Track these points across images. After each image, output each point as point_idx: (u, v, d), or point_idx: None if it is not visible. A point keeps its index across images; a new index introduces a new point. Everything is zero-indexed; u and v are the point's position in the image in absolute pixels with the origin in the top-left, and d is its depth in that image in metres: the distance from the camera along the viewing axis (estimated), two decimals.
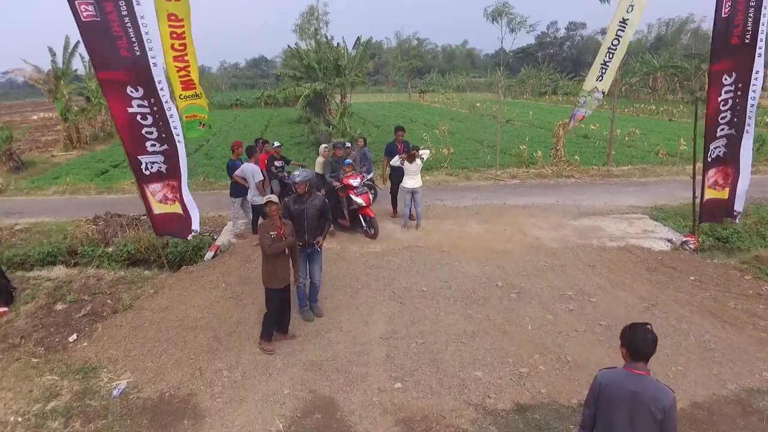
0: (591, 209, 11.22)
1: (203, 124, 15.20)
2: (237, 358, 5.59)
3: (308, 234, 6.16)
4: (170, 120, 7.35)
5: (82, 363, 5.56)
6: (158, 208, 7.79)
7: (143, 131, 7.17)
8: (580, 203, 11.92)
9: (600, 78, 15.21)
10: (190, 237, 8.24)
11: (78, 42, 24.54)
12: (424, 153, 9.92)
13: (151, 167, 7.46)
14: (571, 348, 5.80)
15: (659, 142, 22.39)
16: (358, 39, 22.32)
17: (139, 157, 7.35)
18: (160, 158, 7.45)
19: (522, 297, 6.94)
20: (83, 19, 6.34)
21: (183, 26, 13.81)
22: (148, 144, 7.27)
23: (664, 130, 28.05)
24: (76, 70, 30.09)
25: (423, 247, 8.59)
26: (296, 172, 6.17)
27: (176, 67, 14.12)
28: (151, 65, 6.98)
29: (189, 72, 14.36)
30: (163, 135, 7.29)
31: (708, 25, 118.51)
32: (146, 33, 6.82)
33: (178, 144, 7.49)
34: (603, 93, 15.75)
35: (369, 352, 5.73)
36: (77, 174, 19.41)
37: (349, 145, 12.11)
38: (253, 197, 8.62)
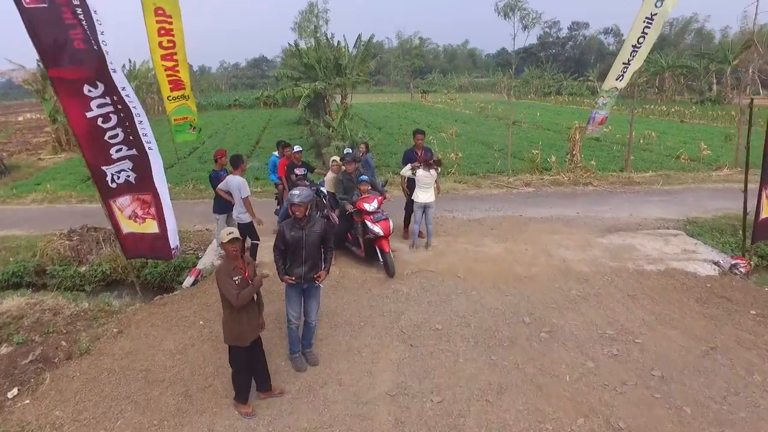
0: (617, 223, 10.12)
1: (193, 127, 14.18)
2: (210, 425, 4.50)
3: (306, 266, 5.05)
4: (138, 124, 6.23)
5: (18, 429, 4.48)
6: (127, 227, 6.70)
7: (107, 136, 6.06)
8: (602, 215, 10.83)
9: (620, 78, 14.12)
10: (173, 256, 7.16)
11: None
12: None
13: (118, 178, 6.37)
14: (621, 408, 4.70)
15: (676, 146, 21.31)
16: (359, 37, 21.25)
17: (103, 168, 6.25)
18: (128, 165, 6.34)
19: (555, 337, 5.85)
20: (26, 5, 5.24)
21: (172, 22, 12.75)
22: (113, 150, 6.17)
23: (678, 132, 26.93)
24: None
25: (434, 271, 7.49)
26: (294, 191, 5.07)
27: (164, 66, 13.06)
28: (110, 70, 5.84)
29: (178, 71, 13.29)
30: (131, 137, 6.18)
31: (712, 25, 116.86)
32: (102, 33, 5.68)
33: (148, 151, 6.37)
34: (618, 91, 14.69)
35: (374, 415, 4.63)
36: (62, 179, 18.35)
37: (351, 151, 11.05)
38: (239, 215, 7.49)
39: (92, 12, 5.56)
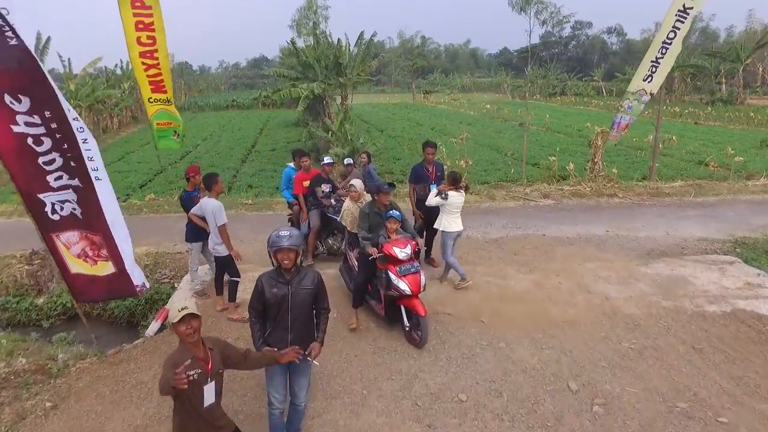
0: (656, 245, 8.84)
1: (177, 134, 12.89)
2: None
3: (293, 334, 3.78)
4: (83, 149, 4.91)
5: None
6: (75, 266, 5.42)
7: (40, 161, 4.75)
8: (636, 234, 9.54)
9: (648, 78, 12.82)
10: (141, 294, 5.89)
11: (49, 38, 22.25)
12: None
13: (61, 209, 5.07)
14: None
15: (697, 150, 20.03)
16: (361, 35, 19.97)
17: (40, 197, 4.96)
18: (71, 196, 5.04)
19: (611, 412, 4.56)
20: None
21: (151, 15, 11.44)
22: (51, 177, 4.86)
23: (694, 134, 25.61)
24: (51, 70, 27.83)
25: (453, 315, 6.19)
26: (282, 232, 3.78)
27: (144, 64, 11.73)
28: (42, 83, 4.49)
29: (160, 71, 11.99)
30: (72, 164, 4.86)
31: (717, 24, 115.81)
32: (16, 38, 4.32)
33: (95, 181, 5.02)
34: (651, 95, 13.40)
35: None
36: None
37: (351, 161, 9.78)
38: (215, 246, 6.18)
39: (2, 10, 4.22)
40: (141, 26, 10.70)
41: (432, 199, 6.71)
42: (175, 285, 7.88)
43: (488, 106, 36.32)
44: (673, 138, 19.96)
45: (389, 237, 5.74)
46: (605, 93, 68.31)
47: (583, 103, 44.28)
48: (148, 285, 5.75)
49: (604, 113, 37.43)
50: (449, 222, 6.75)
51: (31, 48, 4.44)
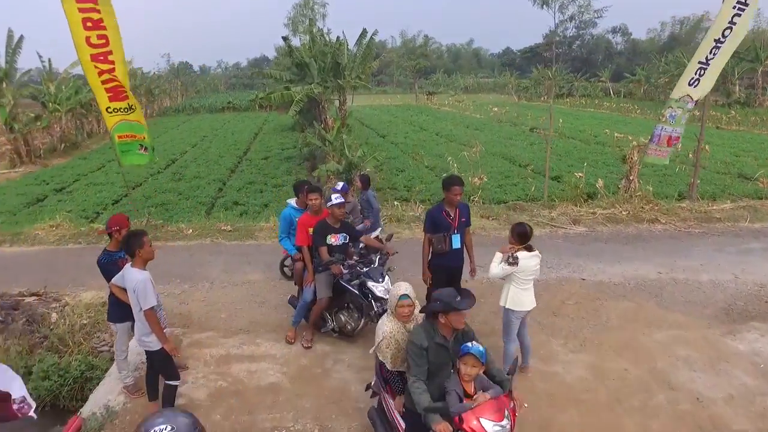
0: (729, 296, 6.99)
1: (144, 147, 11.06)
2: None
3: None
4: None
5: None
6: None
7: None
8: (697, 278, 7.70)
9: (695, 83, 10.93)
10: (24, 414, 4.07)
11: (22, 36, 20.46)
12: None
13: None
14: None
15: (731, 160, 18.16)
16: (363, 33, 18.12)
17: None
18: None
19: None
20: None
21: (99, 11, 9.65)
22: None
23: (719, 140, 23.67)
24: (29, 70, 26.07)
25: None
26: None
27: (98, 69, 9.92)
28: None
29: (115, 76, 10.17)
30: None
31: None
32: None
33: None
34: (696, 103, 11.55)
35: None
36: (3, 203, 15.31)
37: (344, 185, 7.96)
38: (142, 338, 4.30)
39: None
40: (89, 24, 8.88)
41: (496, 268, 4.66)
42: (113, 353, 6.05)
43: (495, 109, 34.48)
44: (706, 147, 18.04)
45: (466, 392, 3.32)
46: (613, 94, 66.50)
47: (594, 105, 42.39)
48: (32, 404, 3.90)
49: (617, 116, 35.54)
50: (519, 296, 4.75)
51: None
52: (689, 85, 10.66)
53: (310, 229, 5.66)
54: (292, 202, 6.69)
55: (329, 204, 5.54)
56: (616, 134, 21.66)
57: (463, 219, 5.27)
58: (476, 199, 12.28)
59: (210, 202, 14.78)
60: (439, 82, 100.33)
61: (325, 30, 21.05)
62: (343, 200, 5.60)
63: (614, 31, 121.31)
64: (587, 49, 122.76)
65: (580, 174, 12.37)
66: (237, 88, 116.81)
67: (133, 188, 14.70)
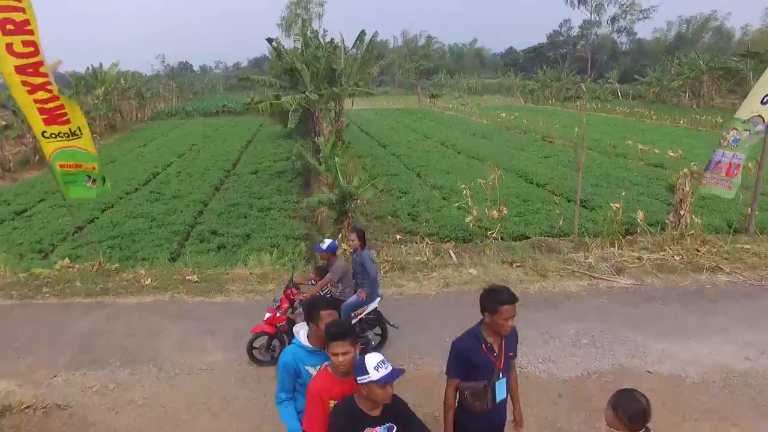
0: None
1: (93, 179, 9.14)
2: None
3: None
4: None
5: None
6: None
7: None
8: None
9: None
10: None
11: None
12: None
13: None
14: None
15: None
16: (361, 35, 16.21)
17: None
18: None
19: None
20: None
21: (23, 9, 7.69)
22: None
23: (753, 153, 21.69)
24: None
25: None
26: None
27: (27, 84, 7.93)
28: None
29: (51, 90, 8.25)
30: None
31: (732, 23, 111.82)
32: None
33: None
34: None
35: None
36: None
37: (332, 244, 6.08)
38: None
39: None
40: (10, 28, 6.99)
41: None
42: None
43: (503, 114, 32.51)
44: (749, 165, 16.06)
45: None
46: (621, 95, 64.49)
47: (605, 110, 40.39)
48: None
49: (631, 122, 33.55)
50: None
51: None
52: (762, 103, 8.74)
53: (331, 403, 2.96)
54: (300, 336, 3.42)
55: (365, 380, 2.71)
56: (639, 145, 19.71)
57: (511, 353, 3.24)
58: (494, 235, 10.35)
59: (185, 231, 12.90)
60: (441, 82, 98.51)
61: (321, 31, 19.15)
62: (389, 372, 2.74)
63: (619, 30, 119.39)
64: (591, 48, 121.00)
65: (617, 205, 10.40)
66: (236, 89, 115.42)
67: (80, 229, 12.38)
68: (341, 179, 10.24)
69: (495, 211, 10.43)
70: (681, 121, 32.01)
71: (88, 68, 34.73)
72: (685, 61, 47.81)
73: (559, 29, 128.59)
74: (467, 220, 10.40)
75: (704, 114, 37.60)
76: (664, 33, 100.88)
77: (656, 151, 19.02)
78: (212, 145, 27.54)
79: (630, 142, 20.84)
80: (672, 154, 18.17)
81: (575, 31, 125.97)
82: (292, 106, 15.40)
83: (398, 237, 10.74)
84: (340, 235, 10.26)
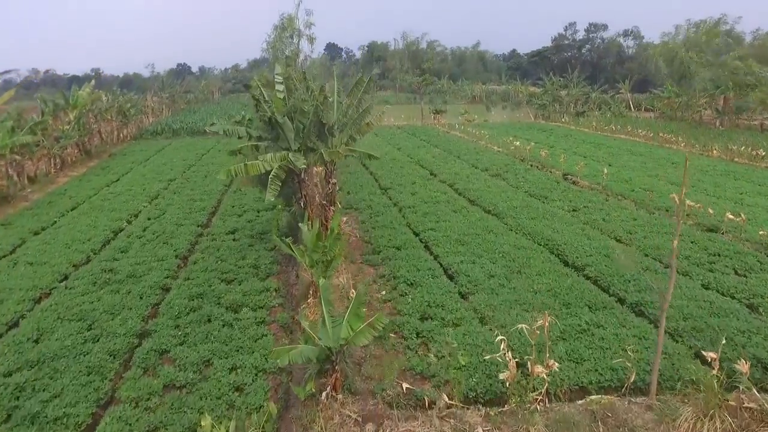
0: None
1: None
2: None
3: None
4: None
5: None
6: None
7: None
8: None
9: None
10: None
11: None
12: None
13: None
14: None
15: None
16: (360, 80, 13.21)
17: None
18: None
19: None
20: None
21: None
22: None
23: None
24: None
25: None
26: None
27: None
28: None
29: None
30: None
31: (743, 27, 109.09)
32: None
33: None
34: None
35: None
36: None
37: None
38: None
39: None
40: None
41: None
42: None
43: (516, 143, 29.42)
44: None
45: None
46: (633, 107, 61.41)
47: (625, 132, 37.24)
48: None
49: (659, 151, 30.40)
50: None
51: None
52: None
53: None
54: None
55: None
56: (688, 202, 16.66)
57: None
58: (542, 395, 7.31)
59: (128, 349, 9.91)
60: (444, 89, 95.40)
61: (317, 55, 16.04)
62: None
63: (626, 34, 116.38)
64: (597, 53, 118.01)
65: (713, 355, 7.35)
66: (235, 93, 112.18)
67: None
68: (326, 319, 7.21)
69: (541, 366, 7.38)
70: (713, 150, 28.93)
71: (66, 88, 31.43)
72: (707, 75, 44.69)
73: (564, 33, 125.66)
74: (502, 376, 7.37)
75: (732, 134, 34.56)
76: (672, 37, 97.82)
77: (710, 211, 15.95)
78: (192, 181, 24.53)
79: (674, 196, 17.72)
80: (732, 216, 15.12)
81: (581, 35, 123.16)
82: (272, 167, 12.38)
83: (404, 387, 7.74)
84: (324, 397, 7.27)
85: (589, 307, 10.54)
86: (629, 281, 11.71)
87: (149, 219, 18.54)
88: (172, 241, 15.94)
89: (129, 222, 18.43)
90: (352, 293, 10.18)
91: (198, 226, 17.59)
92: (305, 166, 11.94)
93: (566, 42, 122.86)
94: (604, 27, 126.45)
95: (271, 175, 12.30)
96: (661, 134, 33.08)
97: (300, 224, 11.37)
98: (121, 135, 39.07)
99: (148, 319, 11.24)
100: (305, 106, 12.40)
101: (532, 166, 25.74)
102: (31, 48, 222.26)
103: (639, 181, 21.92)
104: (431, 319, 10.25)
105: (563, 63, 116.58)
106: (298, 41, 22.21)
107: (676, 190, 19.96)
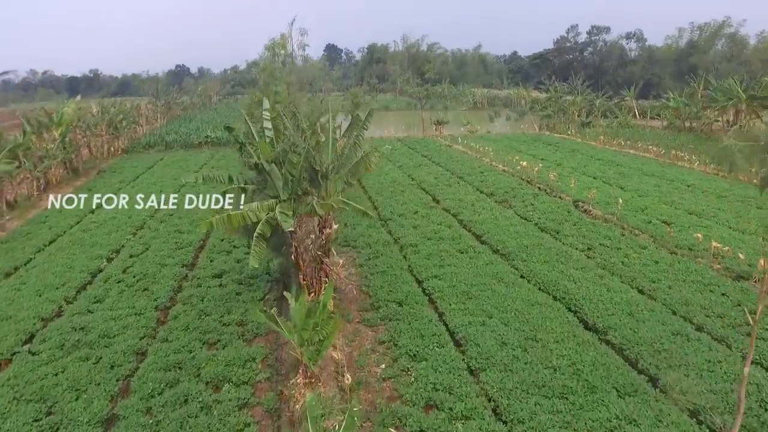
0: None
1: None
2: None
3: None
4: None
5: None
6: None
7: None
8: None
9: None
10: None
11: None
12: None
13: None
14: None
15: None
16: (356, 119, 11.91)
17: None
18: None
19: None
20: None
21: None
22: None
23: None
24: None
25: None
26: None
27: None
28: None
29: None
30: None
31: (747, 30, 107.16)
32: None
33: None
34: None
35: None
36: None
37: None
38: None
39: None
40: None
41: None
42: None
43: (524, 163, 28.08)
44: None
45: None
46: (638, 115, 60.08)
47: (635, 147, 35.87)
48: None
49: (671, 170, 29.02)
50: None
51: None
52: None
53: None
54: None
55: None
56: (714, 243, 15.35)
57: None
58: None
59: None
60: (445, 93, 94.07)
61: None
62: None
63: (628, 37, 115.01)
64: (600, 56, 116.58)
65: None
66: (233, 95, 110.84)
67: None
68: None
69: None
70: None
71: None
72: (719, 85, 43.31)
73: (566, 35, 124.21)
74: None
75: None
76: (676, 40, 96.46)
77: (740, 257, 14.63)
78: (177, 214, 22.97)
79: (699, 235, 16.43)
80: (763, 264, 13.78)
81: (583, 37, 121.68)
82: (258, 219, 11.08)
83: None
84: None
85: (618, 392, 9.23)
86: (659, 351, 10.40)
87: (131, 256, 17.25)
88: (154, 287, 14.63)
89: (109, 260, 17.11)
90: (347, 380, 8.87)
91: (183, 266, 16.30)
92: (292, 229, 10.59)
93: (568, 44, 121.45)
94: (607, 29, 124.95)
95: (255, 234, 10.97)
96: (674, 152, 31.70)
97: (286, 293, 10.02)
98: (112, 149, 37.73)
99: (118, 397, 9.94)
100: (294, 158, 11.04)
101: (540, 189, 24.42)
102: (30, 49, 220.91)
103: (655, 209, 20.59)
104: (437, 408, 8.94)
105: (565, 66, 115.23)
106: (290, 65, 20.81)
107: (696, 222, 18.79)
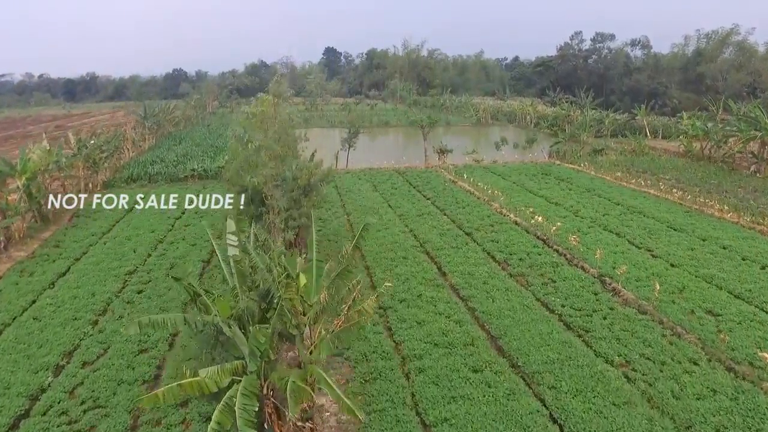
0: None
1: None
2: None
3: None
4: None
5: None
6: None
7: None
8: None
9: None
10: None
11: None
12: None
13: None
14: None
15: None
16: (342, 271, 9.10)
17: None
18: None
19: None
20: None
21: None
22: None
23: None
24: None
25: None
26: None
27: None
28: None
29: None
30: None
31: (756, 38, 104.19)
32: None
33: None
34: None
35: None
36: None
37: None
38: None
39: None
40: None
41: None
42: None
43: (538, 218, 25.31)
44: None
45: None
46: (649, 134, 57.42)
47: (657, 188, 33.02)
48: None
49: (695, 220, 26.26)
50: None
51: None
52: None
53: None
54: None
55: None
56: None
57: None
58: None
59: None
60: (447, 104, 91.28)
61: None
62: None
63: (633, 44, 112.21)
64: (604, 63, 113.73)
65: None
66: (232, 99, 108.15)
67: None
68: None
69: None
70: (764, 223, 24.93)
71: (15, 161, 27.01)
72: (738, 114, 40.60)
73: (570, 42, 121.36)
74: None
75: None
76: (682, 48, 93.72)
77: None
78: (153, 280, 20.29)
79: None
80: None
81: (587, 44, 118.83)
82: (218, 387, 8.39)
83: None
84: None
85: None
86: None
87: (84, 365, 14.55)
88: (101, 425, 11.91)
89: (56, 375, 14.33)
90: None
91: (143, 382, 13.61)
92: (256, 409, 7.88)
93: (571, 52, 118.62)
94: (611, 37, 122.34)
95: (215, 413, 8.25)
96: (699, 198, 29.00)
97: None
98: (90, 185, 34.96)
99: None
100: (261, 329, 8.28)
101: (559, 254, 21.67)
102: (28, 50, 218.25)
103: (694, 290, 17.85)
104: None
105: (568, 73, 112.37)
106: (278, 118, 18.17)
107: (746, 312, 16.03)
